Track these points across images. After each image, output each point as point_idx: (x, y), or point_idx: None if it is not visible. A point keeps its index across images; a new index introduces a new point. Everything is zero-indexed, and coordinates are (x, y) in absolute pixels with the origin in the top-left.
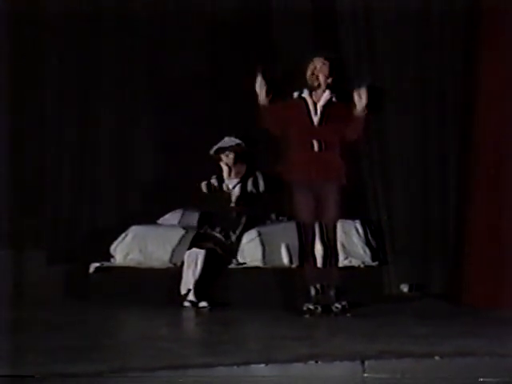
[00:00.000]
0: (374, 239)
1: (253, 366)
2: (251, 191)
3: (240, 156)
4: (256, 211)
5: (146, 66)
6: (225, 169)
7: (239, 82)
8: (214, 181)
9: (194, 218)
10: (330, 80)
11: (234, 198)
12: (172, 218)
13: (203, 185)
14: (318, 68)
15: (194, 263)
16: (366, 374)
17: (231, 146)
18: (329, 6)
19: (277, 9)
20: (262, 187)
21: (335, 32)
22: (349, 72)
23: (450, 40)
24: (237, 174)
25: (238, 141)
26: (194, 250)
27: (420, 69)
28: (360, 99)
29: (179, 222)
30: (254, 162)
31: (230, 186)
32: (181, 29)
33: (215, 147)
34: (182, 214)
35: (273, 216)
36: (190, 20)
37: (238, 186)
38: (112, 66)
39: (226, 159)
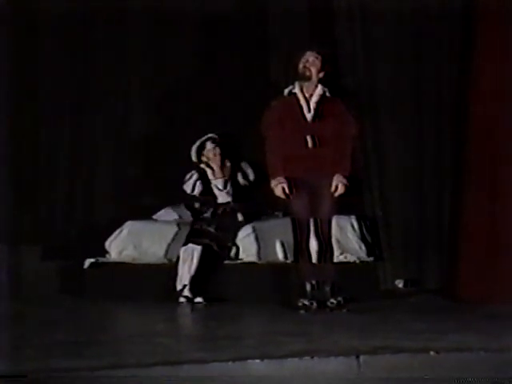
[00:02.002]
0: (370, 235)
1: (248, 361)
2: (244, 184)
3: (224, 151)
4: (251, 206)
5: (143, 65)
6: (208, 170)
7: (235, 80)
8: (198, 184)
9: (189, 213)
10: (321, 74)
11: (229, 197)
12: (167, 213)
13: (196, 194)
14: (310, 61)
15: (189, 259)
16: (361, 370)
17: (210, 137)
18: (325, 6)
19: (273, 8)
20: (252, 177)
21: (331, 31)
22: (345, 70)
23: (446, 39)
24: (222, 172)
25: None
26: (190, 245)
27: (416, 68)
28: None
29: (174, 218)
30: (236, 155)
31: (220, 186)
32: (177, 28)
33: (195, 148)
34: (178, 210)
35: (268, 211)
36: (186, 19)
37: (229, 183)
38: (108, 65)
39: (213, 158)
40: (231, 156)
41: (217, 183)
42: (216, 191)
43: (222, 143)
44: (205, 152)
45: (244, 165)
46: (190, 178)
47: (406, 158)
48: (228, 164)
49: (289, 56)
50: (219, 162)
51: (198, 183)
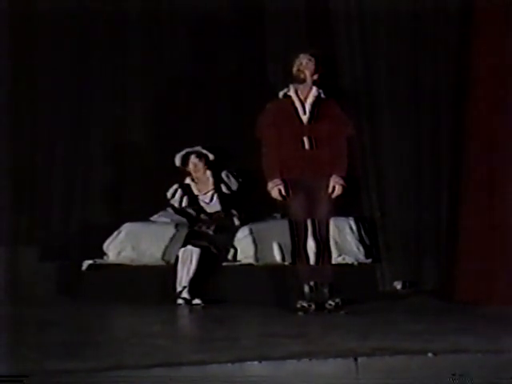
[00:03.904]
0: (368, 236)
1: (246, 363)
2: (229, 194)
3: (208, 164)
4: (248, 209)
5: (141, 65)
6: (193, 185)
7: (232, 81)
8: (185, 199)
9: (186, 215)
10: (315, 76)
11: (218, 206)
12: (165, 215)
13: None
14: (304, 64)
15: (188, 261)
16: (359, 372)
17: (197, 151)
18: (323, 6)
19: (270, 8)
20: (234, 186)
21: (329, 30)
22: (342, 71)
23: (443, 38)
24: (205, 186)
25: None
26: (188, 247)
27: (413, 67)
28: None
29: (172, 220)
30: (219, 166)
31: (207, 200)
32: (173, 28)
33: (179, 157)
34: (176, 212)
35: (266, 213)
36: (182, 19)
37: (216, 195)
38: (106, 66)
39: (197, 171)
40: (214, 167)
41: (203, 198)
42: (203, 204)
43: (207, 156)
44: (189, 162)
45: (225, 175)
46: (175, 193)
47: (403, 159)
48: (211, 177)
49: (285, 58)
50: (203, 176)
51: (185, 198)
